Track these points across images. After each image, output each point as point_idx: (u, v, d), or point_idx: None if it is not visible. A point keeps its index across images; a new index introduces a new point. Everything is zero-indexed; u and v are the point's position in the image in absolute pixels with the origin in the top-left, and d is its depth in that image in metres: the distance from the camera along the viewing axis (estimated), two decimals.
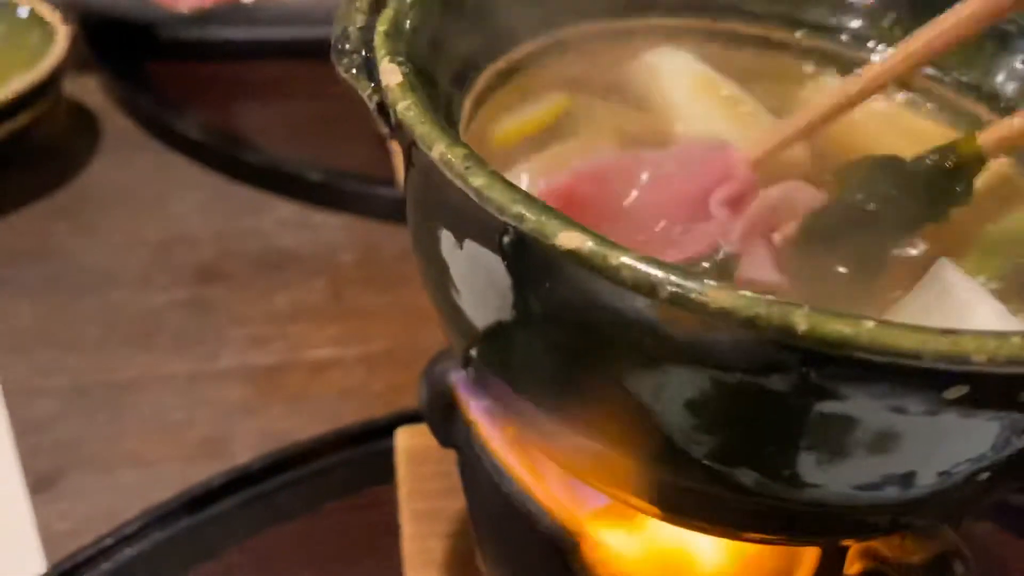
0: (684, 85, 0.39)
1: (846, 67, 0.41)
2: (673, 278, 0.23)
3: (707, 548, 0.38)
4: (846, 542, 0.35)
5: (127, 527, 0.50)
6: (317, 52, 0.85)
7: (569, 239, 0.24)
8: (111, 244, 0.70)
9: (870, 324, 0.23)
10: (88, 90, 0.83)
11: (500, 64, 0.38)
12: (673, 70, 0.40)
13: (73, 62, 0.77)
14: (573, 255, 0.24)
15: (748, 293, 0.23)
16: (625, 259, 0.23)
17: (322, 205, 0.74)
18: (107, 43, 0.85)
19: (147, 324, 0.64)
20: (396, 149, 0.75)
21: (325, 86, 0.82)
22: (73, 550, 0.49)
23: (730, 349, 0.24)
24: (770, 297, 0.23)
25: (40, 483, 0.54)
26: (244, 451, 0.56)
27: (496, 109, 0.38)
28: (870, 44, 0.42)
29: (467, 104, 0.36)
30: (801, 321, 0.22)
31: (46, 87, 0.73)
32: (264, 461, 0.54)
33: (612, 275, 0.23)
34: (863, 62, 0.41)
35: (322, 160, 0.76)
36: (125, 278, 0.67)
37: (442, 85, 0.34)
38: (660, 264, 0.23)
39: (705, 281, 0.23)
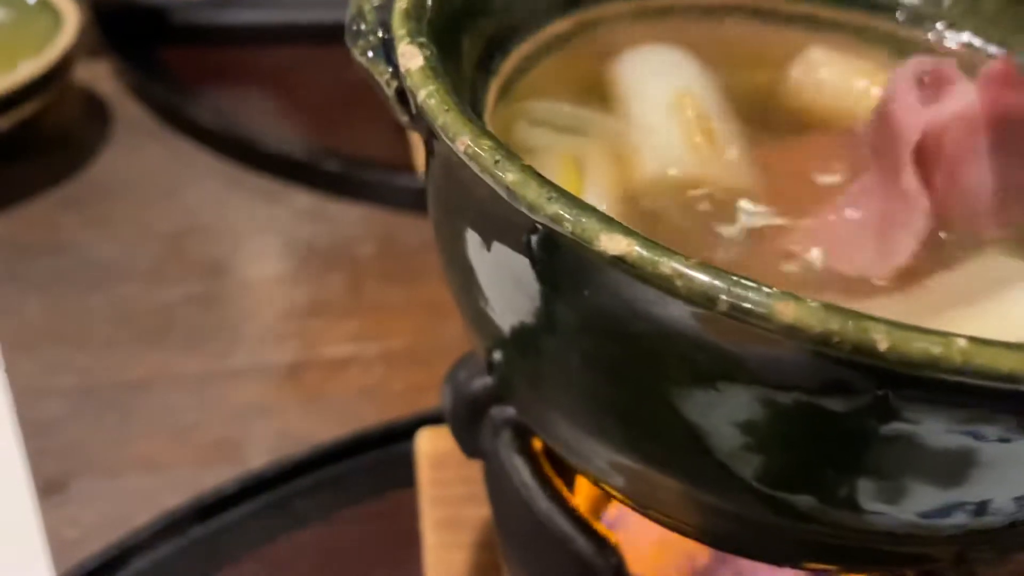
0: (657, 100, 0.36)
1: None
2: (734, 289, 0.20)
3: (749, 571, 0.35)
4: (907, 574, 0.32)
5: (137, 535, 0.48)
6: (334, 36, 0.83)
7: (614, 243, 0.21)
8: (122, 236, 0.68)
9: (962, 343, 0.20)
10: (99, 77, 0.81)
11: (528, 47, 0.36)
12: (650, 81, 0.36)
13: (83, 48, 0.75)
14: (618, 261, 0.21)
15: (818, 304, 0.20)
16: (679, 266, 0.20)
17: (339, 195, 0.71)
18: (118, 29, 0.83)
19: (159, 320, 0.62)
20: (416, 138, 0.73)
21: (342, 72, 0.80)
22: (82, 558, 0.47)
23: (795, 366, 0.22)
24: (847, 309, 0.20)
25: (48, 488, 0.52)
26: (258, 454, 0.54)
27: (524, 96, 0.35)
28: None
29: (492, 91, 0.33)
30: (882, 338, 0.20)
31: (56, 74, 0.70)
32: (279, 465, 0.52)
33: (663, 284, 0.21)
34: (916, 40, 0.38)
35: (339, 148, 0.73)
36: (136, 272, 0.65)
37: (466, 70, 0.31)
38: (718, 272, 0.20)
39: (770, 291, 0.20)
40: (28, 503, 0.51)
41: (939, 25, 0.38)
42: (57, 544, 0.49)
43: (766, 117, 0.36)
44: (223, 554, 0.49)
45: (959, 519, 0.25)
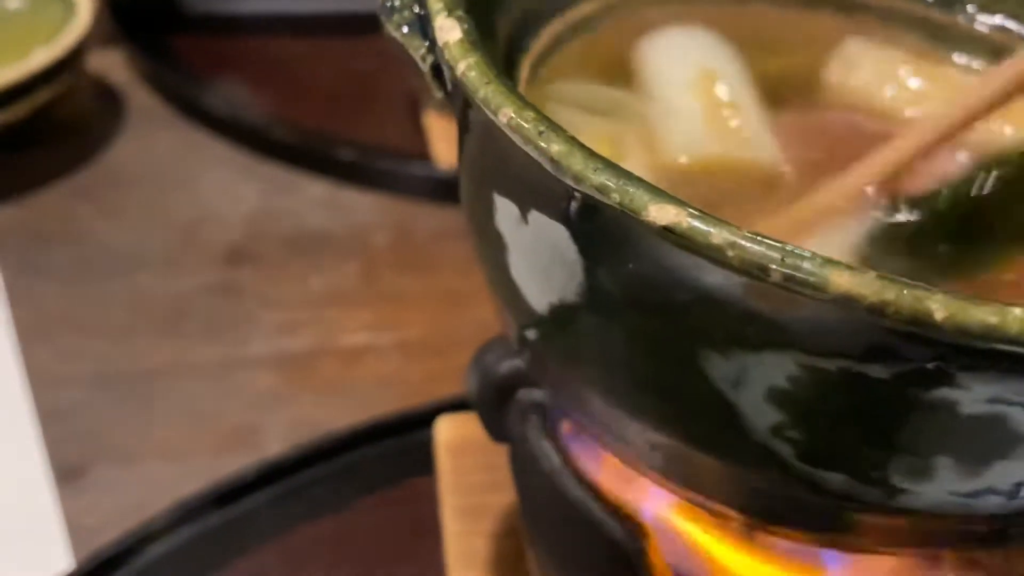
0: (679, 80, 0.36)
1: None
2: (788, 259, 0.20)
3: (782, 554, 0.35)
4: (943, 552, 0.32)
5: (155, 523, 0.48)
6: (349, 25, 0.84)
7: (663, 213, 0.21)
8: (137, 225, 0.67)
9: (1018, 312, 0.19)
10: (112, 65, 0.80)
11: (556, 27, 0.35)
12: (674, 61, 0.36)
13: (96, 36, 0.74)
14: (668, 232, 0.21)
15: (875, 274, 0.20)
16: (732, 236, 0.20)
17: (354, 183, 0.71)
18: (132, 16, 0.82)
19: (175, 309, 0.61)
20: (433, 124, 0.73)
21: (357, 61, 0.81)
22: (100, 545, 0.47)
23: (844, 336, 0.21)
24: (901, 280, 0.20)
25: (66, 475, 0.51)
26: (275, 442, 0.54)
27: (553, 77, 0.35)
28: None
29: (523, 70, 0.33)
30: (939, 308, 0.19)
31: (68, 63, 0.70)
32: (297, 453, 0.52)
33: (715, 254, 0.20)
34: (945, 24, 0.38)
35: (354, 137, 0.73)
36: (152, 261, 0.65)
37: (500, 48, 0.31)
38: (771, 242, 0.20)
39: (824, 260, 0.20)
40: (46, 490, 0.51)
41: (970, 8, 0.38)
42: (75, 531, 0.49)
43: (796, 103, 0.36)
44: (241, 541, 0.48)
45: (998, 497, 0.25)
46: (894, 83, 0.35)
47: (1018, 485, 0.25)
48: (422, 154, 0.71)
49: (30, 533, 0.49)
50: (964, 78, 0.36)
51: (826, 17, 0.39)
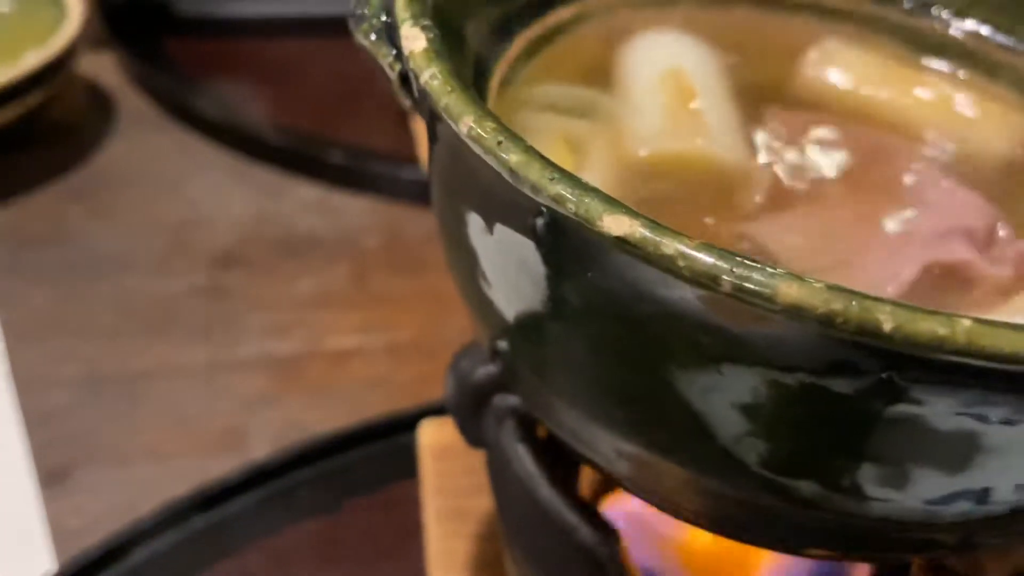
0: (648, 77, 0.36)
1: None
2: (737, 269, 0.20)
3: (752, 561, 0.35)
4: (911, 558, 0.32)
5: (141, 524, 0.48)
6: (339, 29, 0.83)
7: (617, 224, 0.21)
8: (127, 228, 0.67)
9: (967, 323, 0.19)
10: (103, 68, 0.80)
11: (531, 33, 0.35)
12: (646, 60, 0.36)
13: (88, 39, 0.75)
14: (621, 242, 0.21)
15: (822, 284, 0.20)
16: (682, 247, 0.20)
17: (344, 187, 0.71)
18: (123, 19, 0.82)
19: (164, 311, 0.61)
20: (420, 128, 0.73)
21: (347, 64, 0.80)
22: (84, 548, 0.47)
23: (799, 348, 0.22)
24: (850, 290, 0.20)
25: (51, 477, 0.52)
26: (263, 444, 0.54)
27: (527, 82, 0.35)
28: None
29: (495, 77, 0.33)
30: (887, 319, 0.19)
31: (60, 65, 0.70)
32: (283, 455, 0.52)
33: (667, 264, 0.20)
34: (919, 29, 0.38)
35: (344, 140, 0.73)
36: (141, 263, 0.65)
37: (468, 55, 0.31)
38: (721, 253, 0.20)
39: (773, 271, 0.20)
40: (31, 493, 0.51)
41: (944, 13, 0.38)
42: (60, 533, 0.49)
43: (775, 105, 0.36)
44: (227, 544, 0.49)
45: (963, 505, 0.25)
46: (869, 81, 0.35)
47: (985, 491, 0.25)
48: (412, 158, 0.71)
49: (13, 535, 0.49)
50: (937, 81, 0.36)
51: (803, 22, 0.39)
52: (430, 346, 0.60)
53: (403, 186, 0.70)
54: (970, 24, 0.37)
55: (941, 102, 0.34)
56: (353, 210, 0.70)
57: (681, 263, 0.20)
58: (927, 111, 0.34)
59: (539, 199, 0.22)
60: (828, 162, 0.32)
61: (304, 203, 0.70)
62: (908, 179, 0.31)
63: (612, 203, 0.21)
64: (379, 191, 0.70)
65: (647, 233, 0.20)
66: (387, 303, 0.63)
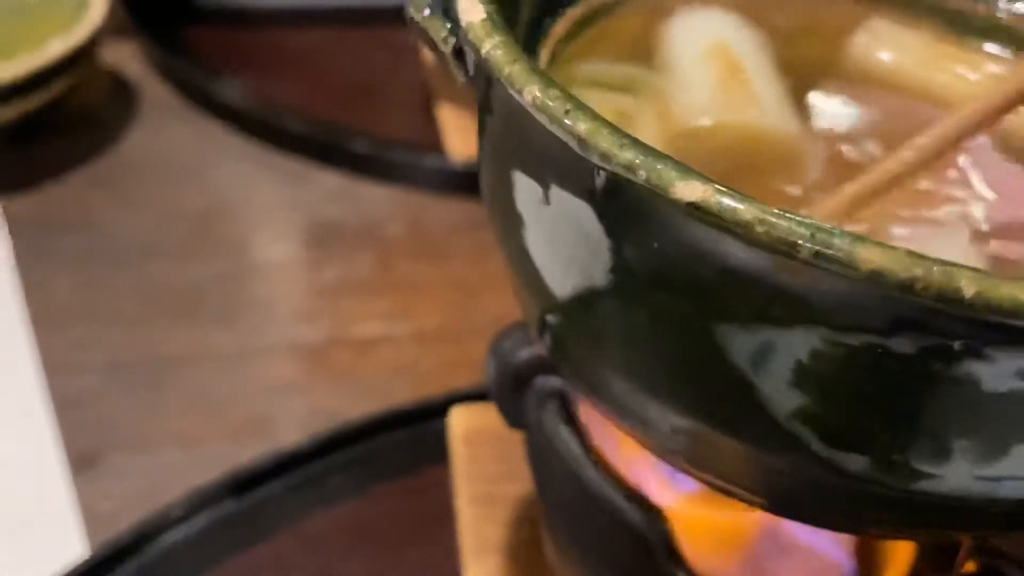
0: (693, 52, 0.36)
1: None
2: (818, 235, 0.20)
3: (802, 539, 0.35)
4: (961, 537, 0.32)
5: (172, 510, 0.48)
6: (363, 18, 0.84)
7: (690, 190, 0.21)
8: (151, 216, 0.67)
9: None
10: (126, 57, 0.80)
11: (578, 11, 0.35)
12: (690, 35, 0.36)
13: (110, 28, 0.74)
14: (696, 208, 0.21)
15: (904, 250, 0.20)
16: (760, 212, 0.20)
17: (368, 175, 0.71)
18: (146, 8, 0.82)
19: (189, 298, 0.61)
20: (444, 117, 0.73)
21: (370, 53, 0.81)
22: (115, 533, 0.47)
23: (874, 313, 0.21)
24: (931, 256, 0.19)
25: (80, 462, 0.51)
26: (290, 431, 0.54)
27: (574, 59, 0.35)
28: None
29: (543, 54, 0.33)
30: (969, 285, 0.19)
31: (82, 54, 0.70)
32: (313, 442, 0.52)
33: (743, 231, 0.20)
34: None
35: (367, 129, 0.73)
36: (165, 250, 0.65)
37: (520, 31, 0.31)
38: (801, 219, 0.20)
39: (854, 237, 0.20)
40: (61, 478, 0.51)
41: None
42: (90, 518, 0.49)
43: (821, 84, 0.36)
44: (258, 529, 0.49)
45: (1019, 482, 0.25)
46: (920, 62, 0.35)
47: None
48: (435, 146, 0.71)
49: (45, 520, 0.49)
50: (985, 62, 0.36)
51: (846, 4, 0.39)
52: (456, 333, 0.60)
53: (427, 175, 0.70)
54: (1019, 6, 0.37)
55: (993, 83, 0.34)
56: (377, 198, 0.70)
57: (760, 229, 0.20)
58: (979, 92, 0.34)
59: (609, 167, 0.22)
60: (881, 137, 0.31)
61: (328, 191, 0.70)
62: (964, 158, 0.31)
63: (685, 169, 0.21)
64: (403, 180, 0.70)
65: (723, 200, 0.20)
66: (412, 291, 0.63)
